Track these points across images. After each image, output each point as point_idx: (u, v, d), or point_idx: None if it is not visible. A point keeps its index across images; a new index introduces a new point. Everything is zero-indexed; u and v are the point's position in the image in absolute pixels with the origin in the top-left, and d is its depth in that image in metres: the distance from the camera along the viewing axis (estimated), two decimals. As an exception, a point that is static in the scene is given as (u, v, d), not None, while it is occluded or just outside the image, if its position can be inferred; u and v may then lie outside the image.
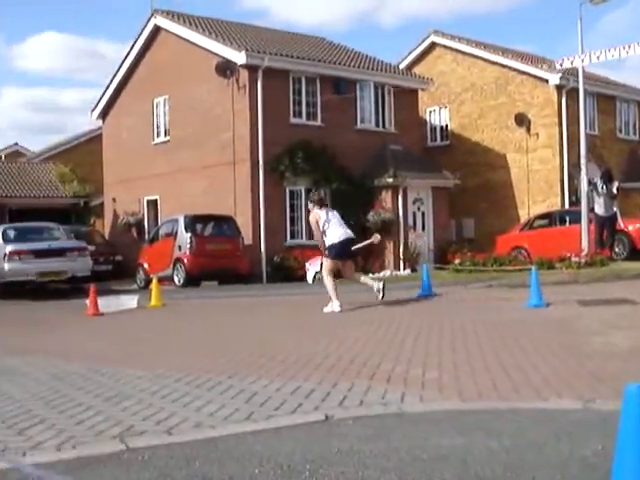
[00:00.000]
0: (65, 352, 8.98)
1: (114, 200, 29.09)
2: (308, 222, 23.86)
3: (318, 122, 24.66)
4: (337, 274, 13.11)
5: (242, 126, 23.27)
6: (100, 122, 31.04)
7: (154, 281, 16.07)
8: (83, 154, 35.54)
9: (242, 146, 23.25)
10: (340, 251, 12.87)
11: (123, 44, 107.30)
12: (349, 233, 13.18)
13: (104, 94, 29.68)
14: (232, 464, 4.23)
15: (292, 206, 23.97)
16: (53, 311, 15.84)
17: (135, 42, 28.06)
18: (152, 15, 27.08)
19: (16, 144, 43.75)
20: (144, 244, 23.83)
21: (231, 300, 16.98)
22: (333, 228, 12.89)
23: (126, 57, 28.57)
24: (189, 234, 20.93)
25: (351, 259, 13.53)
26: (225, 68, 23.49)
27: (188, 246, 20.76)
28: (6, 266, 18.86)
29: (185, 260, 20.73)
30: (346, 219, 23.55)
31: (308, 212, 14.40)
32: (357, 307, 12.86)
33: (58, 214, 28.68)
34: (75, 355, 8.64)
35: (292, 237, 23.91)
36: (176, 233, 21.44)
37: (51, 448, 4.65)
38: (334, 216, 13.15)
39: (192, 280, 20.73)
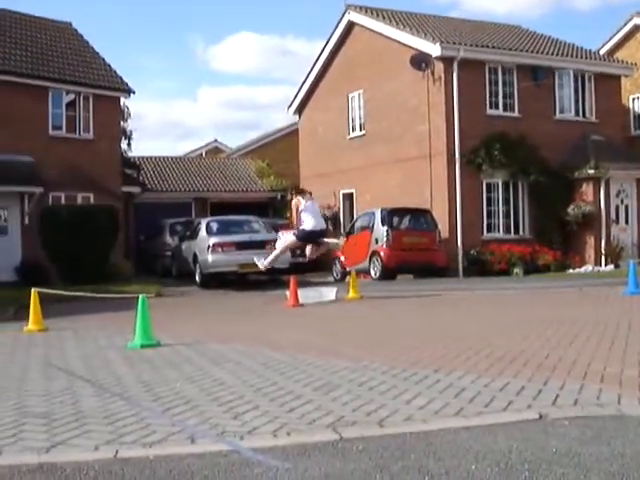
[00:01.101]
0: (270, 341, 9.19)
1: (310, 194, 29.63)
2: (506, 215, 23.66)
3: (515, 113, 24.11)
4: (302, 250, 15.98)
5: (438, 118, 23.10)
6: (296, 118, 31.80)
7: (352, 274, 16.23)
8: (279, 149, 36.55)
9: (438, 139, 23.10)
10: (307, 237, 15.34)
11: (313, 41, 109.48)
12: (321, 225, 15.81)
13: (299, 90, 30.39)
14: (447, 459, 4.15)
15: (489, 199, 23.58)
16: (254, 301, 16.33)
17: (329, 38, 28.55)
18: (345, 11, 27.43)
19: (215, 141, 45.64)
20: (340, 237, 24.15)
21: (429, 294, 16.87)
22: (308, 216, 15.23)
23: (320, 53, 29.13)
24: (386, 227, 21.04)
25: (315, 244, 15.71)
26: (420, 61, 23.41)
27: (385, 239, 20.87)
28: (210, 257, 19.62)
29: (382, 253, 20.84)
30: (544, 212, 23.25)
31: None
32: (561, 306, 12.47)
33: (256, 207, 29.70)
34: (280, 344, 8.83)
35: (489, 231, 23.53)
36: (373, 226, 21.60)
37: (267, 434, 4.75)
38: (312, 206, 15.61)
39: (388, 273, 20.81)
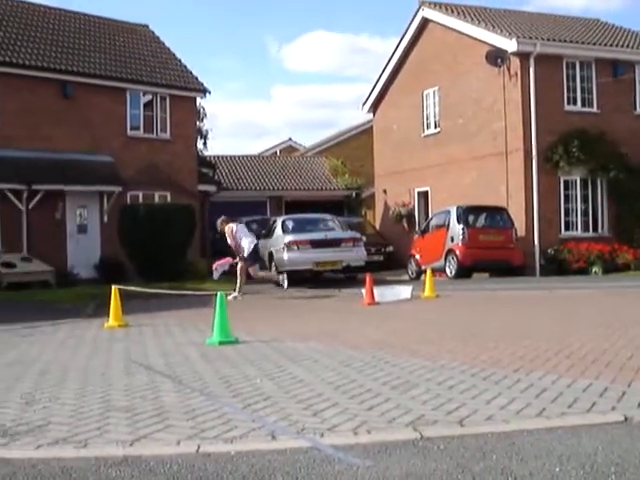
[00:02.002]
0: (347, 339, 9.18)
1: (385, 192, 29.63)
2: (584, 213, 23.19)
3: (594, 108, 23.60)
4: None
5: (514, 115, 22.78)
6: (370, 115, 31.75)
7: (428, 272, 16.11)
8: (353, 147, 36.62)
9: (514, 136, 22.77)
10: (254, 256, 17.39)
11: (387, 38, 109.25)
12: (254, 239, 17.51)
13: (374, 88, 30.34)
14: (531, 460, 4.09)
15: (566, 196, 23.13)
16: (330, 299, 16.34)
17: (403, 35, 28.45)
18: (419, 8, 27.27)
19: (289, 139, 45.93)
20: (416, 235, 24.03)
21: (506, 293, 16.67)
22: (242, 238, 17.09)
23: (395, 51, 29.01)
24: (462, 225, 20.84)
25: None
26: (496, 56, 23.12)
27: (461, 237, 20.68)
28: (285, 256, 19.68)
29: (457, 251, 20.67)
30: (624, 209, 22.71)
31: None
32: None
33: (330, 206, 29.73)
34: (357, 342, 8.81)
35: (567, 229, 23.08)
36: (448, 224, 21.42)
37: (347, 431, 4.74)
38: (243, 227, 17.62)
39: (464, 271, 20.63)
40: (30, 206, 21.66)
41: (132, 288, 14.06)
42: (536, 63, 22.71)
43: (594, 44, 23.97)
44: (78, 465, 4.18)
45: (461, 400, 5.49)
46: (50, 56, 23.44)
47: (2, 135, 21.52)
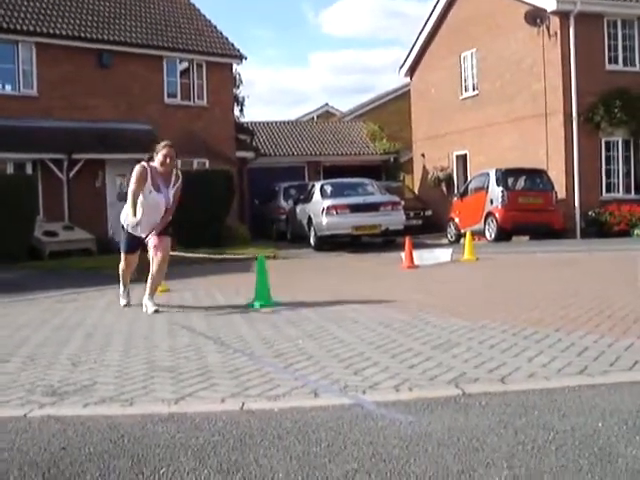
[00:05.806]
0: (387, 301, 9.20)
1: (423, 156, 29.50)
2: (626, 175, 22.87)
3: (636, 67, 23.23)
4: None
5: (554, 76, 22.46)
6: (407, 79, 31.53)
7: (467, 235, 16.05)
8: (390, 112, 36.41)
9: (554, 97, 22.47)
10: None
11: (423, 0, 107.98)
12: None
13: (410, 51, 30.12)
14: (573, 416, 4.09)
15: (608, 158, 22.83)
16: (369, 263, 16.36)
17: (440, -3, 28.10)
18: (457, -32, 26.92)
19: (326, 105, 45.69)
20: (454, 199, 23.93)
21: (546, 255, 16.56)
22: None
23: (431, 13, 28.75)
24: (501, 188, 20.70)
25: None
26: (535, 16, 22.78)
27: (500, 200, 20.55)
28: (324, 220, 19.73)
29: (497, 214, 20.55)
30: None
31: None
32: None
33: (368, 170, 29.68)
34: (397, 304, 8.83)
35: (608, 191, 22.81)
36: (487, 187, 21.28)
37: (389, 389, 4.78)
38: None
39: (504, 234, 20.52)
40: (70, 175, 21.91)
41: (173, 253, 14.14)
42: (576, 22, 22.32)
43: (636, 1, 23.46)
44: (125, 422, 4.27)
45: (502, 359, 5.50)
46: (87, 25, 23.55)
47: (41, 106, 21.76)
